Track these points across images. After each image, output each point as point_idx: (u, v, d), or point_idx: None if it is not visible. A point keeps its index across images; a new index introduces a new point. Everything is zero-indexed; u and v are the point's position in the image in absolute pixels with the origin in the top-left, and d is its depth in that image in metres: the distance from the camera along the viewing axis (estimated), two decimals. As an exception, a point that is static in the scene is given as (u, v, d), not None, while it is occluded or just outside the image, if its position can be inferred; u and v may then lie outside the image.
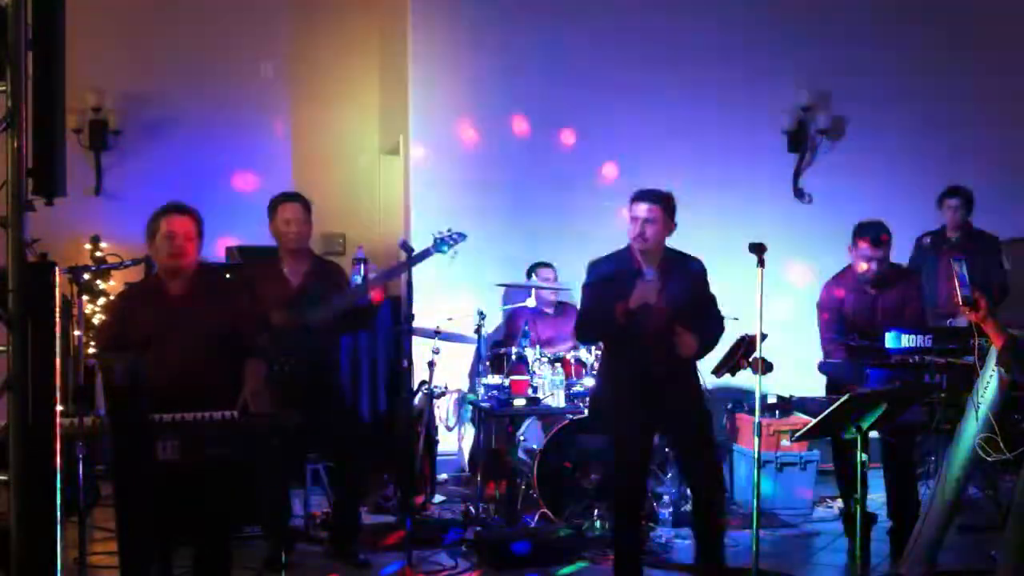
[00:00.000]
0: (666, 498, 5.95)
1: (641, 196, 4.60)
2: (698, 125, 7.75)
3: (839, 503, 6.19)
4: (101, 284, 6.92)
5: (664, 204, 4.59)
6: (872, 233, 5.23)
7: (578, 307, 4.95)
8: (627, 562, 4.69)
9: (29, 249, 3.14)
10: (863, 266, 5.26)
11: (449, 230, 5.44)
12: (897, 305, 5.31)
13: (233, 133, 7.61)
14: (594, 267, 4.72)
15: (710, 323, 4.72)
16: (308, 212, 5.27)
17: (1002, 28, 7.79)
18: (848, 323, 5.33)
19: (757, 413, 4.53)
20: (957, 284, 4.15)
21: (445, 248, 5.43)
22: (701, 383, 4.90)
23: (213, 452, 3.98)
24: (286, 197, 5.31)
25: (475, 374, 6.46)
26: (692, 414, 4.67)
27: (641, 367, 4.56)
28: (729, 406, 6.71)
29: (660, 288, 4.52)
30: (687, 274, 4.66)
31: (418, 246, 5.34)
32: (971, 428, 4.45)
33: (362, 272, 7.09)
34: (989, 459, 4.36)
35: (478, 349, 6.34)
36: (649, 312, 4.50)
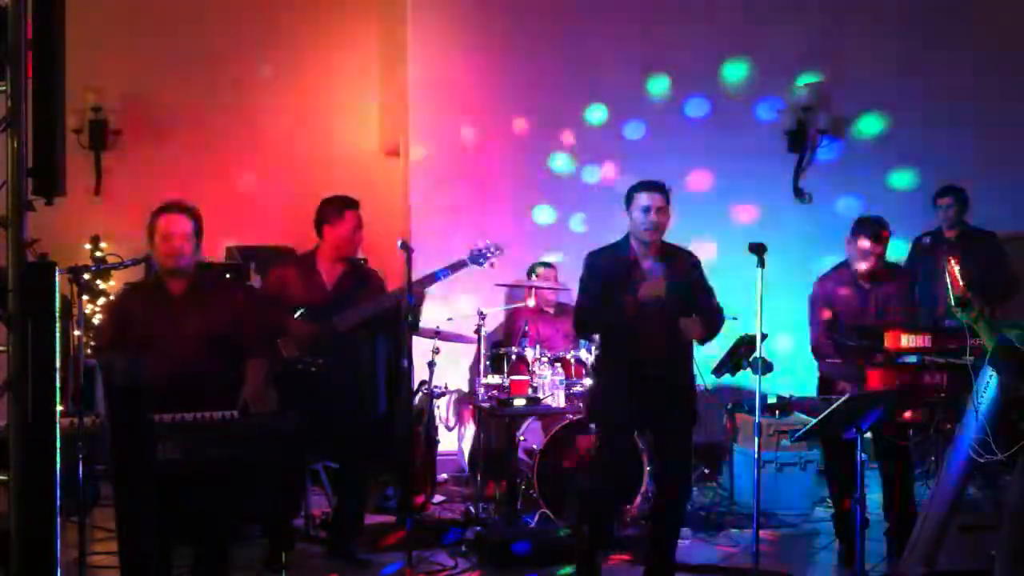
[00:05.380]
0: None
1: (649, 186, 4.60)
2: (698, 125, 7.75)
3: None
4: (101, 284, 6.91)
5: (667, 193, 4.61)
6: (872, 228, 5.24)
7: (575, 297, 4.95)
8: (590, 559, 4.70)
9: (29, 249, 3.14)
10: (861, 261, 5.27)
11: (488, 243, 5.47)
12: (889, 301, 5.31)
13: (233, 133, 7.61)
14: (592, 259, 4.73)
15: (711, 314, 4.71)
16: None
17: (1002, 28, 7.79)
18: (839, 318, 5.34)
19: (757, 413, 4.53)
20: (949, 285, 4.16)
21: (482, 261, 5.45)
22: (697, 385, 4.88)
23: (213, 452, 3.98)
24: (355, 203, 5.24)
25: (475, 374, 6.46)
26: (681, 416, 4.67)
27: (637, 363, 4.56)
28: (729, 406, 6.71)
29: (663, 287, 4.51)
30: (684, 266, 4.66)
31: (418, 246, 5.33)
32: (971, 428, 4.45)
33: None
34: (981, 460, 4.37)
35: (478, 349, 6.34)
36: (659, 306, 4.50)
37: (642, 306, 4.47)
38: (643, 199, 4.57)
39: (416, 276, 5.02)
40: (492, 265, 5.54)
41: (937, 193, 6.85)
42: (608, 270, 4.62)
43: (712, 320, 4.69)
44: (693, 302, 4.65)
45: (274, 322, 4.90)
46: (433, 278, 5.32)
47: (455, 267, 5.37)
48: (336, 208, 5.21)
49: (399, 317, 5.10)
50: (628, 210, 4.63)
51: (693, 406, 4.73)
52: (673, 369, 4.62)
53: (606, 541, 4.77)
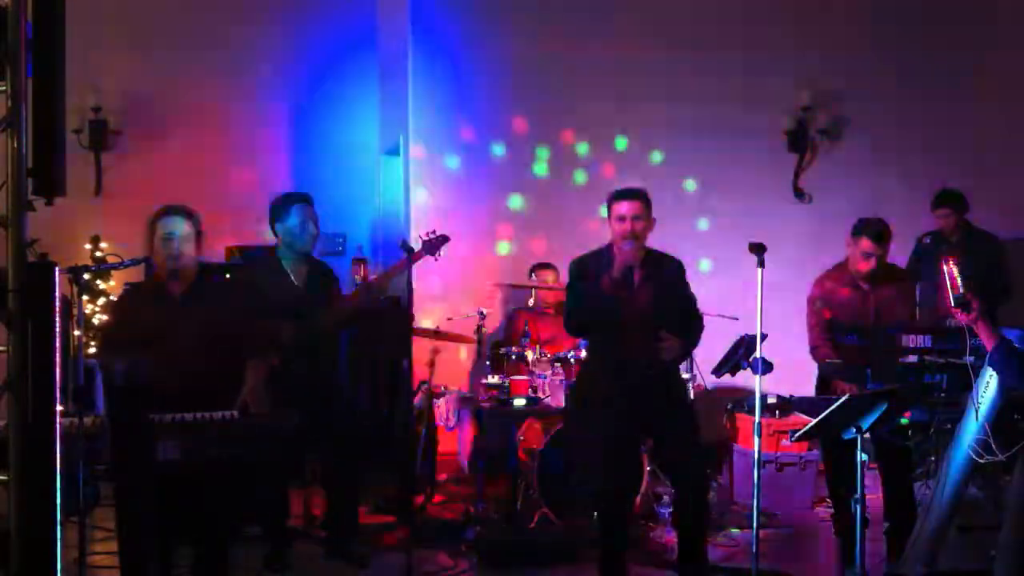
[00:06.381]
0: (666, 498, 5.96)
1: (625, 194, 4.62)
2: (698, 125, 7.75)
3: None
4: (101, 284, 6.91)
5: (645, 200, 4.61)
6: (875, 230, 5.24)
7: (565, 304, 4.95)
8: (613, 562, 4.68)
9: (29, 249, 3.14)
10: (862, 263, 5.26)
11: (433, 232, 5.42)
12: (888, 302, 5.31)
13: (233, 133, 7.60)
14: (577, 265, 4.75)
15: (691, 323, 4.72)
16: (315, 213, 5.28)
17: (1001, 28, 7.79)
18: (837, 318, 5.34)
19: (757, 413, 4.53)
20: (948, 286, 4.17)
21: (434, 250, 5.43)
22: (687, 381, 4.88)
23: (213, 452, 3.98)
24: (302, 198, 5.27)
25: (475, 374, 6.46)
26: (676, 413, 4.67)
27: (623, 367, 4.56)
28: (729, 406, 6.71)
29: (639, 258, 4.55)
30: (667, 274, 4.67)
31: (418, 246, 5.35)
32: (971, 428, 4.45)
33: (362, 272, 7.12)
34: (981, 460, 4.37)
35: (478, 349, 6.34)
36: (632, 285, 4.50)
37: (619, 283, 4.47)
38: (620, 208, 4.59)
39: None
40: (440, 254, 5.50)
41: (933, 203, 6.80)
42: (591, 273, 4.63)
43: (691, 332, 4.72)
44: (677, 309, 4.66)
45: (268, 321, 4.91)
46: (393, 274, 5.34)
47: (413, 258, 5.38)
48: (283, 204, 5.24)
49: (373, 314, 5.13)
50: (608, 219, 4.64)
51: (685, 400, 4.73)
52: (659, 369, 4.61)
53: (623, 541, 4.74)
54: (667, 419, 4.63)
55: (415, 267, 5.16)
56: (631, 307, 4.55)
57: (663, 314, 4.57)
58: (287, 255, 5.25)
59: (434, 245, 5.40)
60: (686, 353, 4.78)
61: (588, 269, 4.67)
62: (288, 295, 5.16)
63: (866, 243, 5.24)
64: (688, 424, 4.71)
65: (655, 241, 4.76)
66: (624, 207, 4.57)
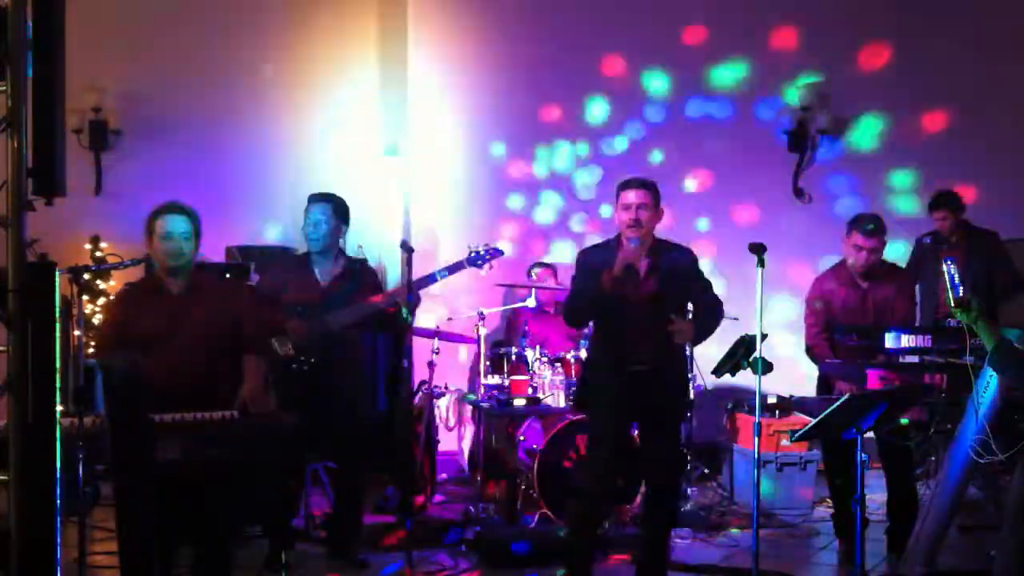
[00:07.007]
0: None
1: (630, 183, 4.62)
2: (698, 125, 7.75)
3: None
4: (101, 284, 6.91)
5: (653, 190, 4.61)
6: (866, 225, 5.24)
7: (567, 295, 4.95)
8: (579, 553, 4.69)
9: (29, 249, 3.14)
10: (855, 257, 5.27)
11: (486, 245, 5.41)
12: (887, 301, 5.32)
13: (233, 133, 7.60)
14: (584, 256, 4.76)
15: (708, 308, 4.71)
16: (337, 213, 5.23)
17: (1002, 29, 7.79)
18: (836, 317, 5.34)
19: (757, 413, 4.53)
20: (948, 286, 4.17)
21: (480, 263, 5.41)
22: (691, 380, 4.85)
23: (213, 452, 3.98)
24: (315, 198, 5.28)
25: (475, 374, 6.46)
26: (668, 411, 4.67)
27: (624, 356, 4.56)
28: (729, 406, 6.71)
29: (642, 254, 4.55)
30: (677, 263, 4.66)
31: (418, 247, 5.34)
32: (971, 428, 4.45)
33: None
34: (981, 460, 4.37)
35: (478, 349, 6.34)
36: (635, 283, 4.52)
37: (619, 280, 4.48)
38: (626, 196, 4.59)
39: (414, 277, 5.02)
40: (491, 267, 5.52)
41: (930, 206, 6.80)
42: (599, 265, 4.63)
43: (709, 315, 4.70)
44: (688, 297, 4.66)
45: (272, 321, 4.90)
46: (430, 279, 5.31)
47: (452, 269, 5.36)
48: (307, 204, 5.27)
49: (395, 318, 5.11)
50: (615, 209, 4.65)
51: (683, 401, 4.72)
52: (663, 363, 4.62)
53: (593, 541, 4.73)
54: (656, 415, 4.63)
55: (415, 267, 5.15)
56: (634, 301, 4.54)
57: (669, 305, 4.56)
58: (313, 253, 5.26)
59: (481, 259, 5.37)
60: (700, 337, 4.74)
61: (593, 260, 4.67)
62: (304, 292, 5.15)
63: (857, 237, 5.24)
64: (674, 427, 4.72)
65: (656, 240, 4.75)
66: (630, 195, 4.57)
